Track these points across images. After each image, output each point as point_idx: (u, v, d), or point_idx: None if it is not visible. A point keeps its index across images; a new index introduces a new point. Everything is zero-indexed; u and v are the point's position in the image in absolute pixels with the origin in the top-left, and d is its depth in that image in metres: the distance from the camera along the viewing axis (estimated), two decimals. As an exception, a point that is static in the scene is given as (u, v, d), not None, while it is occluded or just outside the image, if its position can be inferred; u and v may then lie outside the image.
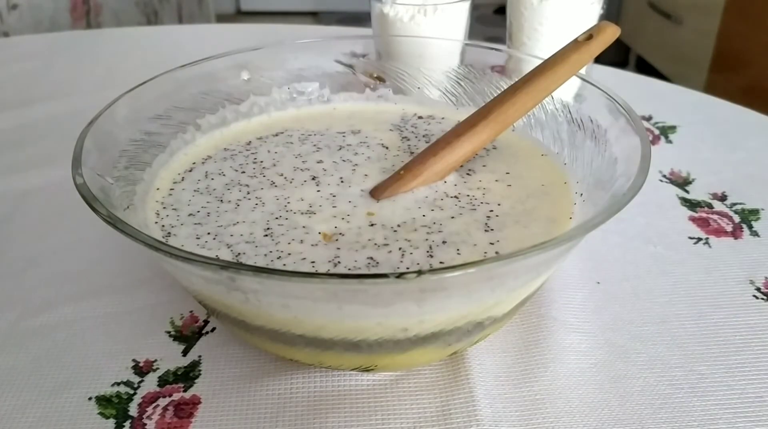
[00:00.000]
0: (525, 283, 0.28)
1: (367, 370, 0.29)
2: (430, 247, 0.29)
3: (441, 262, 0.29)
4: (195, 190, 0.35)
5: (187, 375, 0.31)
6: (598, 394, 0.30)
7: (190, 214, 0.33)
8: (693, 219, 0.42)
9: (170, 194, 0.35)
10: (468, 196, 0.34)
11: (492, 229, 0.31)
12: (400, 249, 0.29)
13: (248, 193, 0.35)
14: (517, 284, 0.27)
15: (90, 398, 0.30)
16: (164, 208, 0.34)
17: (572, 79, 0.37)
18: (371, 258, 0.29)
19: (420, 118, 0.43)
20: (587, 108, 0.36)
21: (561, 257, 0.29)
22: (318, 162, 0.37)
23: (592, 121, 0.35)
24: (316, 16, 2.62)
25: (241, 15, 2.64)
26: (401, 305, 0.25)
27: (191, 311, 0.35)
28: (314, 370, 0.31)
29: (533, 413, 0.29)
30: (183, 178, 0.37)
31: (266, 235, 0.31)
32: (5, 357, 0.33)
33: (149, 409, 0.30)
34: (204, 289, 0.28)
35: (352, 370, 0.30)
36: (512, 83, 0.33)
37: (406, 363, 0.30)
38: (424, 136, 0.40)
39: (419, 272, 0.22)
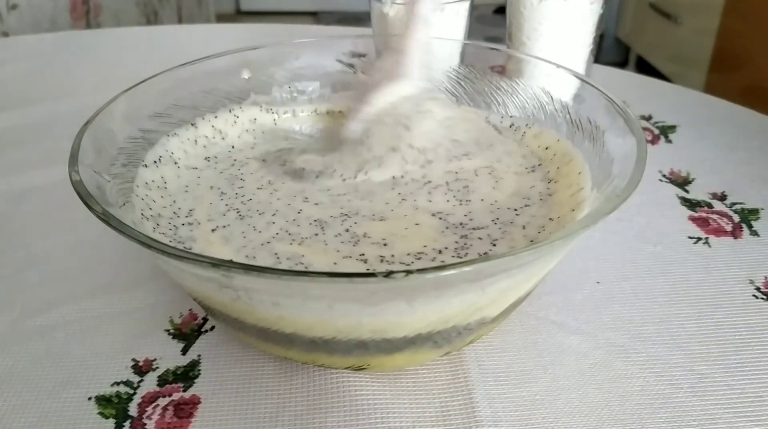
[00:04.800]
0: (517, 284, 0.28)
1: (359, 369, 0.29)
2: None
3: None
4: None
5: (187, 374, 0.31)
6: (598, 394, 0.30)
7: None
8: (693, 219, 0.42)
9: (170, 194, 0.35)
10: (457, 198, 0.34)
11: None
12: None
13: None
14: (510, 284, 0.27)
15: (90, 398, 0.30)
16: (164, 207, 0.34)
17: (572, 79, 0.38)
18: None
19: None
20: (586, 109, 0.36)
21: (554, 258, 0.29)
22: None
23: (590, 122, 0.35)
24: (316, 16, 2.61)
25: (241, 15, 2.64)
26: (391, 304, 0.25)
27: (190, 309, 0.35)
28: (313, 369, 0.31)
29: (533, 413, 0.29)
30: (182, 178, 0.37)
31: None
32: (5, 357, 0.33)
33: (149, 409, 0.30)
34: (196, 286, 0.28)
35: (345, 368, 0.30)
36: None
37: (399, 363, 0.30)
38: None
39: (408, 272, 0.22)
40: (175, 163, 0.37)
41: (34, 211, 0.45)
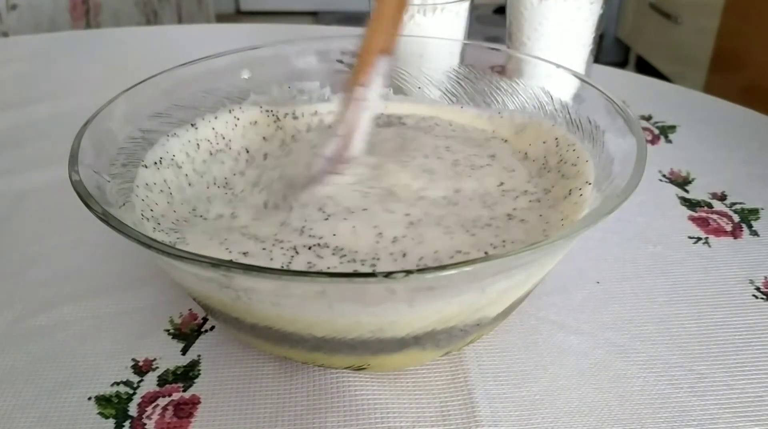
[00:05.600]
0: (517, 284, 0.28)
1: (359, 369, 0.29)
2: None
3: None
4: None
5: (187, 374, 0.31)
6: (598, 394, 0.30)
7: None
8: (692, 218, 0.42)
9: (169, 193, 0.35)
10: (452, 199, 0.34)
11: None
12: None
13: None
14: (510, 285, 0.27)
15: (90, 398, 0.30)
16: (163, 207, 0.34)
17: (572, 79, 0.38)
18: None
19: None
20: (586, 109, 0.36)
21: (553, 259, 0.29)
22: None
23: (590, 121, 0.35)
24: (315, 16, 2.61)
25: (240, 15, 2.64)
26: (391, 304, 0.25)
27: (190, 309, 0.35)
28: (313, 369, 0.31)
29: (533, 413, 0.29)
30: (182, 178, 0.37)
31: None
32: (5, 357, 0.33)
33: (149, 409, 0.30)
34: (197, 286, 0.28)
35: (345, 368, 0.30)
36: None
37: (399, 362, 0.30)
38: None
39: (408, 272, 0.22)
40: (179, 167, 0.37)
41: (34, 211, 0.45)
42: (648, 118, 0.56)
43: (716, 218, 0.42)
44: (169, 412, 0.30)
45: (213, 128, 0.40)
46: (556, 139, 0.37)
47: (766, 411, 0.29)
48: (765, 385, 0.31)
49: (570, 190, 0.33)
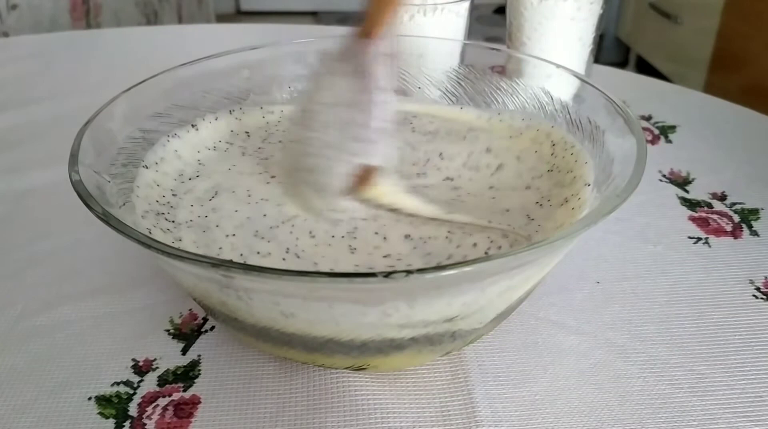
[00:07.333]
0: (517, 284, 0.28)
1: (359, 369, 0.29)
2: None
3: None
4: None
5: (187, 374, 0.31)
6: (598, 395, 0.30)
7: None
8: (692, 219, 0.42)
9: (170, 194, 0.35)
10: (455, 199, 0.34)
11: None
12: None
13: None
14: (509, 285, 0.27)
15: (90, 398, 0.30)
16: (164, 207, 0.34)
17: (572, 79, 0.38)
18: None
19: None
20: (586, 109, 0.36)
21: (553, 259, 0.29)
22: None
23: (590, 122, 0.35)
24: (315, 16, 2.61)
25: (240, 15, 2.64)
26: (391, 304, 0.25)
27: (190, 309, 0.35)
28: (314, 369, 0.31)
29: (533, 413, 0.29)
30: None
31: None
32: (5, 357, 0.33)
33: (149, 409, 0.30)
34: (197, 286, 0.28)
35: (345, 369, 0.30)
36: None
37: (399, 363, 0.30)
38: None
39: (408, 272, 0.22)
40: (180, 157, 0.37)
41: (34, 211, 0.45)
42: (648, 118, 0.56)
43: (716, 218, 0.42)
44: (170, 412, 0.30)
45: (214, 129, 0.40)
46: (553, 144, 0.37)
47: (766, 411, 0.29)
48: (765, 385, 0.31)
49: (566, 198, 0.33)
